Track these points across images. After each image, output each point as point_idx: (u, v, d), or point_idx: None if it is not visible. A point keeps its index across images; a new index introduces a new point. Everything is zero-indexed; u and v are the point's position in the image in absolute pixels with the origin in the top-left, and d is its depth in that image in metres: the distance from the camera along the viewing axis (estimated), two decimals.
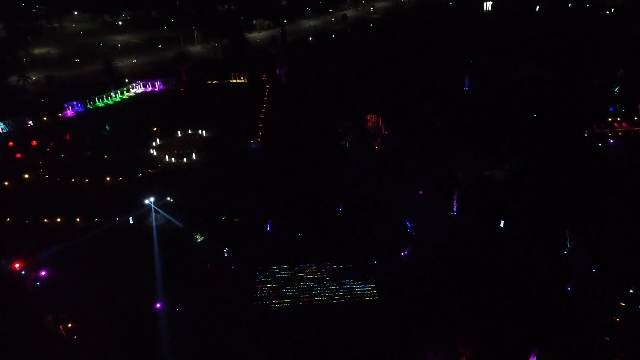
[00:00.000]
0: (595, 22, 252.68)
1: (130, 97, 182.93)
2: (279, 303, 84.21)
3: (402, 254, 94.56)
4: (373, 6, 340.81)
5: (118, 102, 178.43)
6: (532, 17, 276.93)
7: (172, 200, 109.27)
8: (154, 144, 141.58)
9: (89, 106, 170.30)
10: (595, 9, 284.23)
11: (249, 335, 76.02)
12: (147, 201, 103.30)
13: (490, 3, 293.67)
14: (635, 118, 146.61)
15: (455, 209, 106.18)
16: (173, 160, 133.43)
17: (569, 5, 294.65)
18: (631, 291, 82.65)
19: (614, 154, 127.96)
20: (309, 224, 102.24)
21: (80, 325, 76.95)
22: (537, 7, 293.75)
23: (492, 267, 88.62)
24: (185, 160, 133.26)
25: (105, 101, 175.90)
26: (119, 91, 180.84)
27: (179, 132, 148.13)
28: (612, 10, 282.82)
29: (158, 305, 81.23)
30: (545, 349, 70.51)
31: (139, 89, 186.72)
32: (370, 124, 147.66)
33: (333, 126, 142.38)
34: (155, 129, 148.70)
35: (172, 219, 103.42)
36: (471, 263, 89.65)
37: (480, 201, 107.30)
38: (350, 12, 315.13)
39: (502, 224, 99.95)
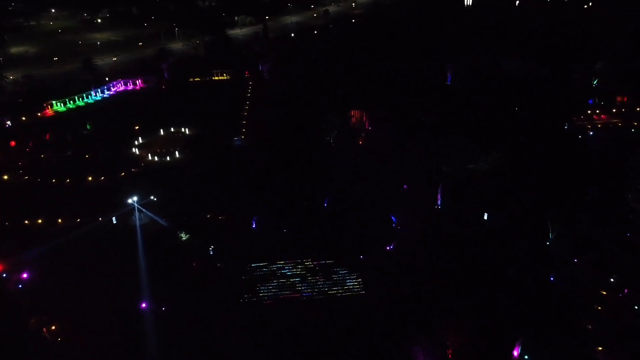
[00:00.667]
0: (573, 16, 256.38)
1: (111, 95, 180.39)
2: (266, 299, 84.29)
3: (388, 248, 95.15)
4: (355, 2, 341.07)
5: (99, 100, 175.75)
6: (512, 12, 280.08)
7: (155, 199, 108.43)
8: (136, 142, 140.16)
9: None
10: (573, 3, 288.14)
11: (237, 332, 75.88)
12: (130, 200, 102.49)
13: None
14: (614, 110, 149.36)
15: (439, 202, 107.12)
16: (156, 158, 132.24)
17: (548, 0, 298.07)
18: (612, 280, 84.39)
19: (593, 145, 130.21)
20: (295, 220, 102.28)
21: (65, 327, 76.07)
22: (517, 2, 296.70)
23: (477, 259, 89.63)
24: (168, 158, 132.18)
25: (86, 100, 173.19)
26: (99, 90, 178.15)
27: (161, 131, 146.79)
28: (590, 4, 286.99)
29: (143, 304, 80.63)
30: (530, 338, 71.67)
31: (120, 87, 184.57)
32: (354, 120, 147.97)
33: (317, 122, 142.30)
34: (137, 127, 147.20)
35: (156, 217, 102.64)
36: (456, 255, 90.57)
37: (464, 194, 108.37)
38: (332, 8, 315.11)
39: (485, 216, 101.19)
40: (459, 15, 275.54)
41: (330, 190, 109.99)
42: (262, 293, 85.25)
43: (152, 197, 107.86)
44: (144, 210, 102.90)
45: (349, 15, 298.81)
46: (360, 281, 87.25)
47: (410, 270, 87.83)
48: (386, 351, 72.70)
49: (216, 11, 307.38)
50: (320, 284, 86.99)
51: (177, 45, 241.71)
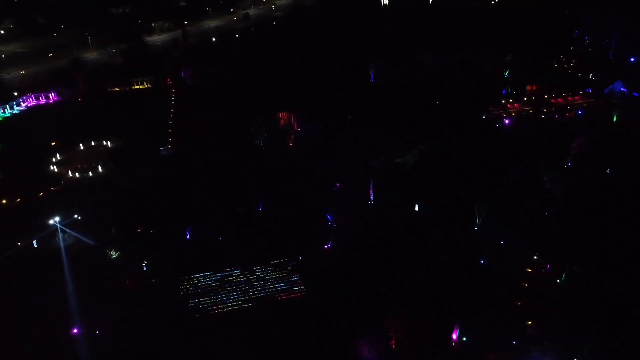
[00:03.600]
0: (482, 10, 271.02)
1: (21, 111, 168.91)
2: (206, 311, 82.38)
3: (325, 246, 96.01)
4: (274, 4, 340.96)
5: (8, 117, 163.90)
6: (426, 8, 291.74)
7: (79, 217, 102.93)
8: (53, 159, 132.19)
9: None
10: None
11: (179, 349, 73.66)
12: (51, 221, 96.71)
13: None
14: (525, 99, 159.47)
15: (372, 197, 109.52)
16: (77, 175, 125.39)
17: None
18: (535, 257, 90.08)
19: (509, 132, 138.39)
20: (230, 226, 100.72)
21: None
22: (430, 1, 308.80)
23: (411, 250, 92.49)
24: (90, 173, 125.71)
25: None
26: (7, 106, 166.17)
27: (81, 145, 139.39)
28: (497, 0, 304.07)
29: (75, 330, 76.26)
30: (466, 320, 74.92)
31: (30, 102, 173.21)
32: (282, 121, 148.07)
33: (245, 126, 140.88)
34: (54, 143, 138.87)
35: (81, 237, 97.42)
36: (391, 248, 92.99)
37: (394, 187, 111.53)
38: (252, 11, 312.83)
39: (416, 207, 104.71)
40: (377, 14, 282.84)
41: (264, 194, 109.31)
42: (202, 305, 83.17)
43: (76, 216, 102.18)
44: (67, 230, 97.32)
45: (270, 18, 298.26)
46: (301, 282, 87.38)
47: (350, 266, 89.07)
48: (332, 348, 73.26)
49: (131, 18, 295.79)
50: (261, 289, 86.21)
51: (91, 55, 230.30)
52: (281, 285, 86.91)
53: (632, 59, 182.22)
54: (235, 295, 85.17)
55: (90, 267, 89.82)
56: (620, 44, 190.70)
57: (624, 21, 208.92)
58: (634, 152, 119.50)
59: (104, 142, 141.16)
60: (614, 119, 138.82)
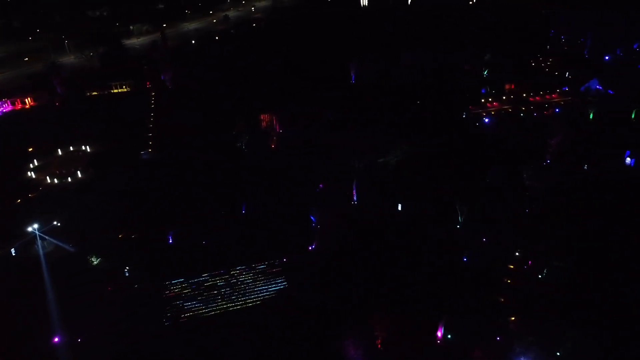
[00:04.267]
0: (460, 11, 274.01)
1: None
2: (190, 316, 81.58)
3: (310, 247, 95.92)
4: (254, 6, 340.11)
5: None
6: (405, 9, 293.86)
7: (59, 224, 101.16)
8: (31, 165, 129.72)
9: None
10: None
11: (163, 354, 72.85)
12: (30, 228, 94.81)
13: None
14: (504, 97, 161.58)
15: (355, 197, 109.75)
16: (55, 180, 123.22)
17: None
18: (517, 254, 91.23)
19: (490, 131, 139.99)
20: (213, 229, 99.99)
21: None
22: (409, 0, 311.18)
23: (395, 249, 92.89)
24: (69, 179, 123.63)
25: None
26: None
27: (59, 150, 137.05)
28: (474, 0, 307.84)
29: (56, 339, 74.87)
30: (451, 318, 75.51)
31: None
32: (264, 123, 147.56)
33: (227, 128, 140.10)
34: (31, 149, 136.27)
35: (61, 243, 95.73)
36: (375, 248, 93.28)
37: (377, 187, 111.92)
38: (231, 13, 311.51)
39: (399, 207, 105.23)
40: (357, 15, 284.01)
41: (246, 196, 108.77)
42: (186, 311, 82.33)
43: (55, 223, 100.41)
44: (47, 237, 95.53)
45: (249, 20, 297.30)
46: (286, 284, 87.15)
47: (334, 267, 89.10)
48: (318, 348, 73.17)
49: (109, 21, 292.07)
50: (246, 292, 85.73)
51: (69, 59, 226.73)
52: (265, 288, 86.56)
53: (607, 58, 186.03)
54: (218, 299, 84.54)
55: (71, 274, 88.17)
56: (594, 43, 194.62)
57: (598, 20, 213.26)
58: (610, 149, 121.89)
59: (83, 147, 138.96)
60: (591, 116, 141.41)
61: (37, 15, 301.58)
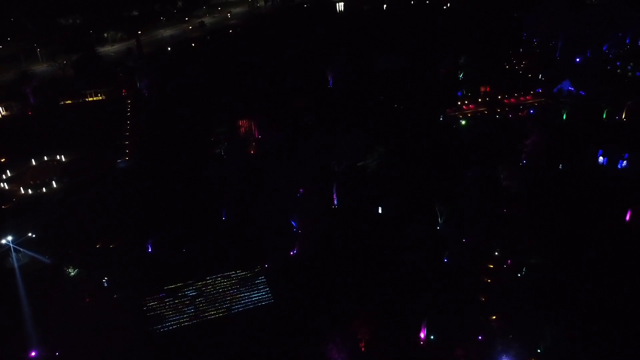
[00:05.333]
0: (435, 15, 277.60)
1: None
2: (171, 325, 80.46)
3: (291, 252, 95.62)
4: (230, 12, 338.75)
5: None
6: (380, 14, 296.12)
7: (34, 235, 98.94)
8: (3, 176, 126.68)
9: None
10: (433, 4, 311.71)
11: None
12: (3, 241, 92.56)
13: (342, 3, 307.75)
14: (480, 100, 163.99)
15: (335, 201, 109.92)
16: (30, 191, 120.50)
17: (411, 2, 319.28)
18: (496, 253, 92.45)
19: (466, 133, 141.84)
20: (193, 237, 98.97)
21: None
22: (385, 6, 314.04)
23: (376, 252, 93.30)
24: (44, 189, 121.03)
25: None
26: None
27: (32, 160, 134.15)
28: (449, 5, 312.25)
29: (33, 353, 73.01)
30: (433, 318, 76.02)
31: None
32: (243, 129, 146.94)
33: (205, 135, 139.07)
34: (3, 159, 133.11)
35: (37, 255, 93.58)
36: (356, 251, 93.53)
37: (357, 191, 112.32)
38: (207, 19, 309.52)
39: (379, 210, 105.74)
40: (333, 20, 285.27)
41: (226, 203, 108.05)
42: (167, 320, 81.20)
43: (30, 234, 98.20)
44: (21, 249, 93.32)
45: (225, 26, 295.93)
46: (268, 290, 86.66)
47: (315, 272, 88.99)
48: (301, 352, 72.86)
49: (82, 28, 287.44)
50: (228, 299, 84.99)
51: (41, 67, 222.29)
52: (247, 294, 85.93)
53: (578, 60, 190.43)
54: (198, 308, 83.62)
55: (48, 285, 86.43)
56: (565, 45, 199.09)
57: (568, 23, 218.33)
58: (584, 148, 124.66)
59: (57, 157, 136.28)
60: (564, 116, 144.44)
61: (7, 23, 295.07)
